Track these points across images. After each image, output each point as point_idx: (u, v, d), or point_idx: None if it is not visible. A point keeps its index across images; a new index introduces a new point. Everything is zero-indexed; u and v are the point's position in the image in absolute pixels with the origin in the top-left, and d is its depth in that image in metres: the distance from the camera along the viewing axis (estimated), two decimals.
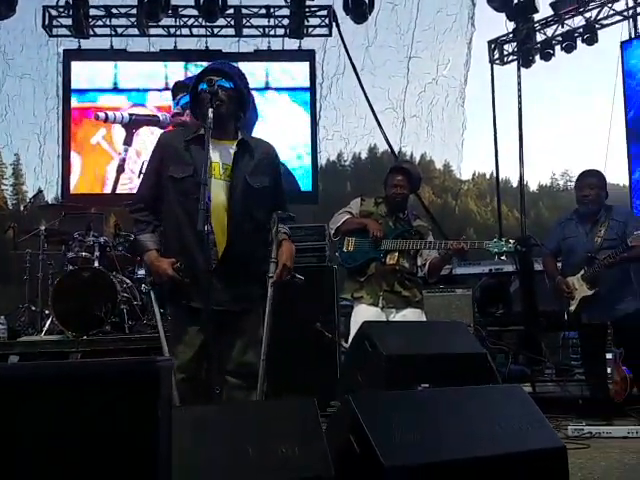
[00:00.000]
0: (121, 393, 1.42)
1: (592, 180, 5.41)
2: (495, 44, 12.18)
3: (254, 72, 9.33)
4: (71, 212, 7.04)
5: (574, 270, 5.37)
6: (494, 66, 12.25)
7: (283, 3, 10.71)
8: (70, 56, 10.16)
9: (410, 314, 4.61)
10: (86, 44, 10.45)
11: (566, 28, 11.24)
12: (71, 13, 10.24)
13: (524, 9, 11.02)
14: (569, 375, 6.38)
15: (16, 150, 16.79)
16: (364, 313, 4.54)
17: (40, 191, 10.03)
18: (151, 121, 9.77)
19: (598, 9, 10.85)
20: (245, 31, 10.97)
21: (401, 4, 12.34)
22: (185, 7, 10.61)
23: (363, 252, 4.69)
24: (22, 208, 15.87)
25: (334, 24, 10.94)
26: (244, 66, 3.52)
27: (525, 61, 11.74)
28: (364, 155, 29.12)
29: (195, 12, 10.53)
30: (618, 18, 10.75)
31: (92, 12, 10.47)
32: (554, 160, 78.77)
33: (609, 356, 5.48)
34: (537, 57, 11.61)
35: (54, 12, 10.42)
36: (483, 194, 39.19)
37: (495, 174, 12.88)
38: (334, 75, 12.00)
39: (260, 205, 3.30)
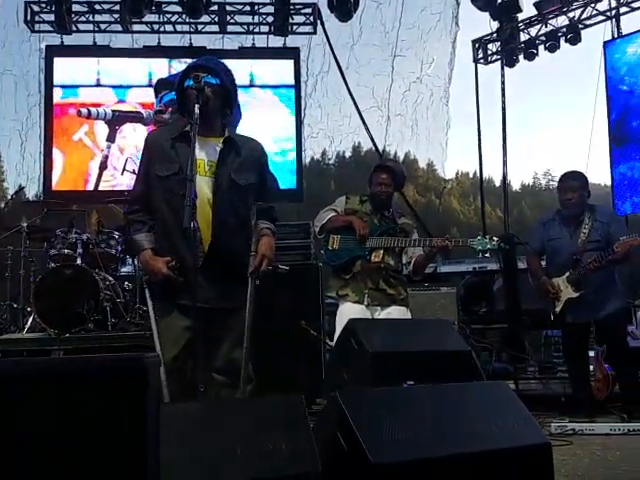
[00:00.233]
0: (109, 389, 1.40)
1: (574, 183, 5.44)
2: (479, 43, 12.22)
3: (238, 69, 9.24)
4: (53, 209, 6.97)
5: (559, 271, 5.40)
6: (478, 65, 12.29)
7: (268, 0, 10.68)
8: (52, 52, 10.04)
9: (395, 312, 4.62)
10: (69, 40, 10.34)
11: (550, 28, 11.30)
12: (53, 9, 10.14)
13: (508, 9, 11.07)
14: (552, 373, 6.42)
15: None
16: (349, 311, 4.54)
17: (21, 188, 9.94)
18: (134, 118, 9.70)
19: (581, 9, 10.92)
20: (229, 28, 10.92)
21: (386, 3, 12.36)
22: (169, 3, 10.55)
23: (348, 250, 4.69)
24: (3, 205, 15.72)
25: (319, 22, 10.93)
26: (228, 63, 3.48)
27: (509, 60, 11.79)
28: (348, 154, 29.13)
29: (179, 9, 10.46)
30: (601, 18, 10.83)
31: (75, 8, 10.38)
32: (536, 159, 79.22)
33: (591, 354, 5.54)
34: (521, 57, 11.66)
35: (36, 8, 10.32)
36: (466, 193, 39.33)
37: (479, 173, 12.94)
38: (319, 73, 11.99)
39: (245, 202, 3.28)
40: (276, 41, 10.84)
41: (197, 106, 3.11)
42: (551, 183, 46.66)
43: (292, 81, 10.34)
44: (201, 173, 3.19)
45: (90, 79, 9.83)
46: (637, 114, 10.08)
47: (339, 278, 4.73)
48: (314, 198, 10.85)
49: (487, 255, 4.49)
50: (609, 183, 10.53)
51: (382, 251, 4.65)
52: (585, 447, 4.31)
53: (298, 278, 5.91)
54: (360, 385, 3.04)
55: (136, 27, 10.71)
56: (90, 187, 9.62)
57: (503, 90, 12.07)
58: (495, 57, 12.14)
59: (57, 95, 9.77)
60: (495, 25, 11.68)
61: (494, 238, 4.42)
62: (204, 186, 3.19)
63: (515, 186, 42.03)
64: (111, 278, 6.20)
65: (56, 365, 1.54)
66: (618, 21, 10.66)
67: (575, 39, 10.93)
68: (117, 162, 9.47)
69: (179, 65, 9.91)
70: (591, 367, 5.55)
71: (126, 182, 9.12)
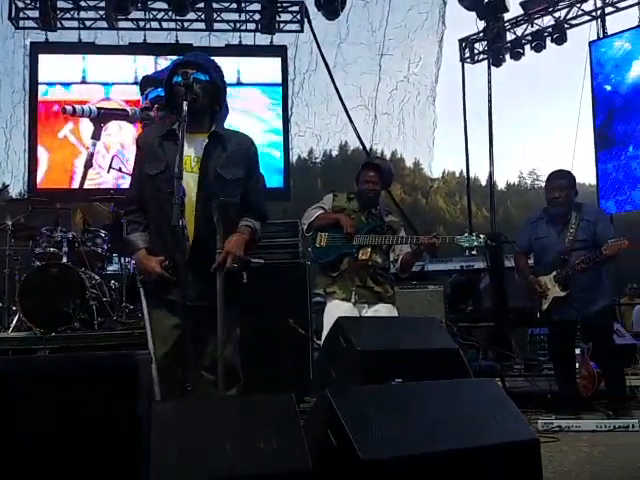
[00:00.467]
0: (100, 386, 1.40)
1: (562, 182, 5.47)
2: (466, 43, 12.28)
3: (225, 67, 9.19)
4: (38, 207, 6.92)
5: (546, 270, 5.42)
6: (465, 64, 12.33)
7: None
8: (37, 49, 9.97)
9: (382, 309, 4.62)
10: (54, 37, 10.29)
11: (536, 28, 11.38)
12: (38, 5, 10.08)
13: (494, 8, 11.12)
14: (538, 370, 6.45)
15: None
16: (336, 308, 4.54)
17: (5, 186, 9.86)
18: (120, 115, 9.64)
19: (567, 9, 11.01)
20: (216, 25, 10.91)
21: (373, 1, 12.35)
22: (155, 0, 10.52)
23: (336, 247, 4.69)
24: None
25: (306, 20, 10.92)
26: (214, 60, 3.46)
27: (495, 60, 11.87)
28: (335, 152, 29.16)
29: (165, 5, 10.45)
30: (587, 18, 10.92)
31: (60, 4, 10.33)
32: (521, 159, 79.65)
33: (577, 351, 5.56)
34: (507, 56, 11.73)
35: (21, 4, 10.26)
36: (452, 192, 39.46)
37: (465, 172, 13.01)
38: (306, 71, 11.98)
39: (232, 197, 3.24)
40: (263, 39, 10.84)
41: (185, 103, 3.09)
42: (536, 182, 46.92)
43: (279, 79, 10.32)
44: (187, 169, 3.17)
45: (75, 76, 9.76)
46: (620, 117, 10.16)
47: (326, 276, 4.72)
48: (301, 197, 10.85)
49: (474, 252, 4.49)
50: (594, 182, 10.61)
51: (370, 249, 4.65)
52: (571, 444, 4.33)
53: (286, 276, 5.92)
54: (348, 383, 3.04)
55: (122, 24, 10.68)
56: (75, 185, 9.56)
57: (489, 89, 12.13)
58: (482, 56, 12.21)
59: (42, 92, 9.71)
60: (482, 24, 11.75)
61: (481, 235, 4.43)
62: (191, 182, 3.17)
63: (500, 185, 42.22)
64: (97, 277, 6.16)
65: (46, 363, 1.52)
66: (603, 21, 10.74)
67: (561, 39, 11.02)
68: (102, 160, 9.42)
69: (165, 62, 9.86)
70: (577, 364, 5.57)
71: (112, 180, 9.11)
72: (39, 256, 6.10)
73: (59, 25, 10.39)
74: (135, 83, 9.88)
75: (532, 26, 11.43)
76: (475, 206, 17.33)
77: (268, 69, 10.39)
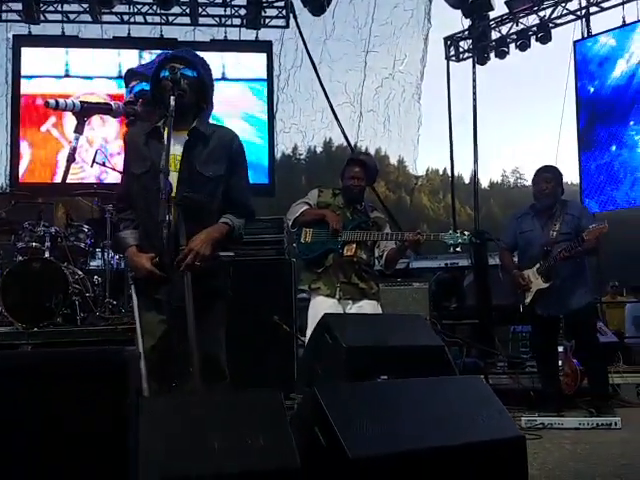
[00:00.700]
0: (89, 382, 1.38)
1: (548, 175, 5.56)
2: (451, 41, 12.29)
3: (209, 62, 9.16)
4: (21, 201, 6.85)
5: (530, 263, 5.47)
6: (450, 63, 12.35)
7: None
8: (20, 42, 9.87)
9: (366, 306, 4.62)
10: (37, 30, 10.20)
11: (520, 26, 11.41)
12: None
13: (480, 7, 11.14)
14: (521, 368, 6.47)
15: None
16: (321, 304, 4.54)
17: None
18: (103, 109, 9.51)
19: (552, 8, 11.04)
20: (201, 20, 10.85)
21: None
22: None
23: (321, 243, 4.68)
24: None
25: (291, 16, 10.90)
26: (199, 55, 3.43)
27: (480, 58, 11.89)
28: (319, 149, 29.17)
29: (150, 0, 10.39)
30: (571, 17, 10.96)
31: None
32: (505, 158, 79.99)
33: (560, 349, 5.59)
34: (492, 55, 11.76)
35: None
36: (436, 190, 39.54)
37: (450, 170, 13.04)
38: (291, 67, 11.95)
39: (214, 195, 3.21)
40: (248, 34, 10.80)
41: (172, 98, 3.06)
42: (519, 181, 47.15)
43: (264, 75, 10.29)
44: (172, 168, 3.13)
45: (58, 70, 9.69)
46: (603, 122, 10.24)
47: (311, 272, 4.71)
48: (285, 193, 10.82)
49: (458, 250, 4.49)
50: (576, 181, 10.67)
51: (355, 245, 4.65)
52: (555, 441, 4.36)
53: (271, 273, 5.91)
54: (334, 380, 3.03)
55: (106, 17, 10.58)
56: (58, 179, 9.47)
57: (474, 88, 12.15)
58: (467, 55, 12.22)
59: (24, 86, 9.62)
60: (467, 23, 11.77)
61: (465, 232, 4.44)
62: (173, 181, 3.12)
63: (484, 184, 42.35)
64: (80, 272, 6.10)
65: (33, 358, 1.50)
66: (588, 21, 10.79)
67: (545, 38, 11.05)
68: (85, 154, 9.34)
69: (149, 57, 9.79)
70: (560, 362, 5.60)
71: (94, 174, 9.05)
72: (21, 251, 6.03)
73: (42, 18, 10.29)
74: (119, 77, 9.78)
75: (517, 25, 11.46)
76: (458, 204, 17.36)
77: (253, 65, 10.35)
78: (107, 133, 9.46)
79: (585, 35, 10.77)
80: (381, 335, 3.32)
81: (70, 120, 9.33)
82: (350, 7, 12.69)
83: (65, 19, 10.39)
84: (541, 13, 11.19)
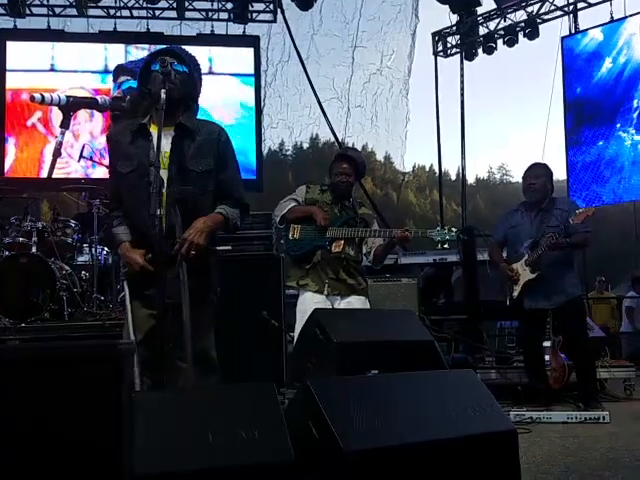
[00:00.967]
0: (82, 376, 1.37)
1: (539, 170, 5.62)
2: (439, 36, 12.32)
3: (196, 56, 9.10)
4: (7, 196, 6.81)
5: (519, 257, 5.49)
6: (438, 58, 12.37)
7: None
8: (5, 36, 9.78)
9: (355, 301, 4.61)
10: (22, 24, 10.14)
11: (508, 22, 11.45)
12: None
13: (468, 2, 11.20)
14: (509, 363, 6.50)
15: None
16: (309, 300, 4.53)
17: None
18: (89, 104, 9.46)
19: (539, 4, 11.11)
20: (187, 14, 10.83)
21: None
22: None
23: (309, 240, 4.67)
24: None
25: (279, 10, 10.87)
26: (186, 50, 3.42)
27: (468, 54, 11.92)
28: (306, 145, 29.12)
29: None
30: (559, 13, 11.01)
31: None
32: (491, 154, 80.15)
33: (547, 344, 5.61)
34: (480, 50, 11.78)
35: None
36: (422, 186, 39.60)
37: (438, 166, 13.06)
38: (279, 62, 11.96)
39: (204, 190, 3.19)
40: (235, 29, 10.79)
41: (163, 91, 3.03)
42: (505, 178, 47.31)
43: (252, 70, 10.26)
44: (162, 166, 3.11)
45: (44, 64, 9.62)
46: (589, 123, 10.34)
47: (299, 268, 4.70)
48: (271, 188, 10.81)
49: (446, 246, 4.50)
50: (562, 177, 10.72)
51: (343, 241, 4.64)
52: (544, 435, 4.38)
53: (259, 268, 5.89)
54: (325, 374, 3.03)
55: (92, 12, 10.55)
56: (44, 174, 9.42)
57: (462, 83, 12.19)
58: (454, 50, 12.25)
59: (10, 80, 9.53)
60: (455, 18, 11.80)
61: (453, 229, 4.45)
62: (163, 178, 3.10)
63: (470, 180, 42.42)
64: (67, 267, 6.07)
65: (27, 351, 1.48)
66: (575, 16, 10.85)
67: (533, 34, 11.11)
68: (71, 149, 9.29)
69: (135, 51, 9.76)
70: (547, 357, 5.62)
71: (81, 169, 9.00)
72: (8, 246, 6.00)
73: (28, 12, 10.23)
74: (105, 72, 9.76)
75: (505, 21, 11.52)
76: (445, 200, 17.46)
77: (240, 59, 10.31)
78: (93, 127, 9.42)
79: (572, 31, 10.82)
80: (372, 330, 3.32)
81: (56, 114, 9.30)
82: (338, 2, 12.73)
83: (51, 13, 10.32)
84: (529, 9, 11.25)
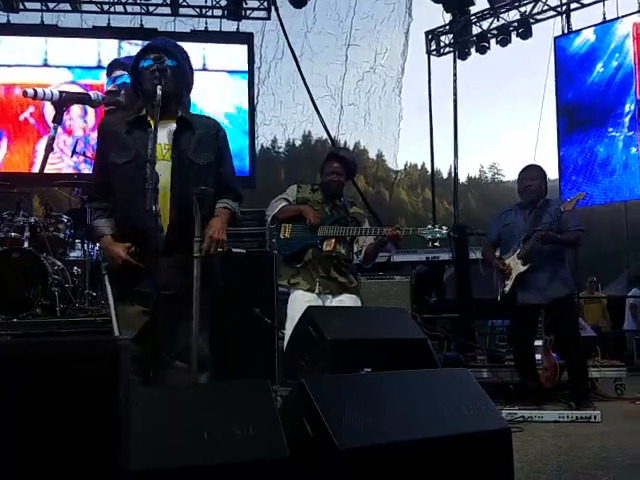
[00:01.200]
0: (79, 372, 1.36)
1: (534, 172, 5.65)
2: (432, 35, 12.33)
3: (190, 53, 9.08)
4: None
5: (512, 253, 5.50)
6: (431, 57, 12.38)
7: None
8: None
9: (346, 299, 4.62)
10: (16, 18, 10.11)
11: (501, 22, 11.47)
12: None
13: (461, 1, 11.21)
14: (500, 361, 6.51)
15: None
16: (301, 299, 4.54)
17: None
18: (82, 99, 9.42)
19: (532, 4, 11.12)
20: (182, 10, 10.81)
21: None
22: None
23: (300, 238, 4.67)
24: None
25: (273, 8, 10.86)
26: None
27: (461, 53, 11.94)
28: (298, 142, 29.12)
29: None
30: (552, 13, 11.04)
31: None
32: (483, 153, 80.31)
33: (539, 343, 5.63)
34: (473, 50, 11.80)
35: None
36: (414, 184, 39.65)
37: (430, 165, 13.09)
38: (272, 59, 11.95)
39: (205, 182, 3.20)
40: (229, 25, 10.77)
41: (159, 87, 3.03)
42: (497, 177, 47.44)
43: (245, 67, 10.24)
44: (159, 157, 3.12)
45: (37, 59, 9.57)
46: (581, 125, 10.36)
47: (290, 267, 4.70)
48: (263, 185, 10.81)
49: (437, 244, 4.51)
50: (553, 177, 10.77)
51: (334, 240, 4.64)
52: (536, 434, 4.40)
53: (253, 265, 5.88)
54: (318, 372, 3.03)
55: (85, 7, 10.52)
56: (36, 169, 9.37)
57: (455, 82, 12.20)
58: (448, 49, 12.26)
59: (3, 74, 9.48)
60: (448, 17, 11.81)
61: (443, 227, 4.45)
62: (163, 170, 3.10)
63: (462, 179, 42.42)
64: (60, 263, 6.06)
65: (21, 347, 1.48)
66: (568, 17, 10.88)
67: (526, 34, 11.13)
68: (64, 144, 9.26)
69: (129, 47, 9.72)
70: (538, 356, 5.64)
71: (73, 165, 8.97)
72: (0, 241, 5.97)
73: (21, 7, 10.19)
74: (98, 67, 9.71)
75: (498, 20, 11.53)
76: (437, 199, 17.52)
77: (234, 56, 10.29)
78: (86, 123, 9.38)
79: (565, 31, 10.85)
80: (365, 328, 3.33)
81: (49, 110, 9.26)
82: (331, 0, 12.74)
83: (44, 8, 10.29)
84: (522, 9, 11.27)
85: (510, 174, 46.09)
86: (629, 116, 9.86)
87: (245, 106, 10.17)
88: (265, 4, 10.89)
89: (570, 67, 10.55)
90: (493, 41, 11.56)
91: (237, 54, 10.28)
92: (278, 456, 1.92)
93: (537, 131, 11.81)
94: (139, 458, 1.64)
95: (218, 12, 10.82)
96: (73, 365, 1.41)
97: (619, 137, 9.94)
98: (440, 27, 12.16)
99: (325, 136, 11.78)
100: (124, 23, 10.56)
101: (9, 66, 9.51)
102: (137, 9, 10.61)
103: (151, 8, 10.67)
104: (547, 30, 11.02)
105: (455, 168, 12.58)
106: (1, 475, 1.35)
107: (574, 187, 10.26)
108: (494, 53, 11.60)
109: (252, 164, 10.15)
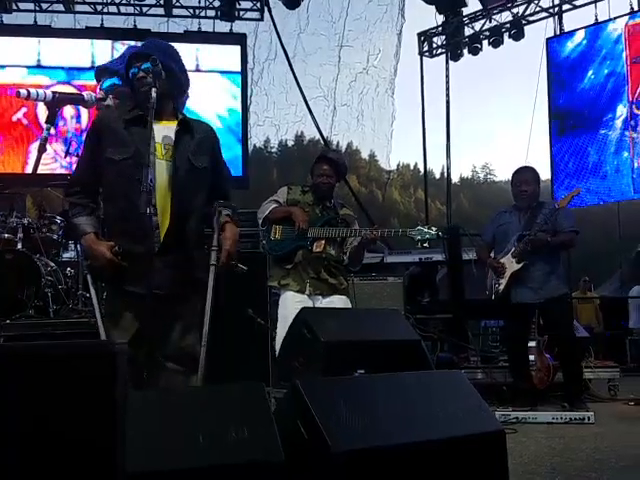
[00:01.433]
0: (77, 375, 1.36)
1: (528, 176, 5.66)
2: (424, 36, 12.35)
3: (183, 53, 9.06)
4: None
5: (506, 252, 5.50)
6: (423, 58, 12.40)
7: None
8: None
9: (336, 301, 4.63)
10: (9, 19, 10.08)
11: (494, 23, 11.50)
12: None
13: (453, 3, 11.22)
14: (494, 362, 6.52)
15: None
16: (291, 300, 4.55)
17: None
18: (75, 100, 9.39)
19: (525, 5, 11.15)
20: (175, 11, 10.80)
21: None
22: None
23: (290, 240, 4.68)
24: None
25: (266, 9, 10.87)
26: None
27: (453, 54, 11.96)
28: (291, 142, 29.12)
29: None
30: (544, 15, 11.06)
31: None
32: (475, 153, 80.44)
33: (533, 344, 5.64)
34: (465, 51, 11.82)
35: None
36: (407, 185, 39.68)
37: (423, 165, 13.11)
38: (265, 60, 11.96)
39: (202, 186, 3.23)
40: (222, 26, 10.77)
41: (154, 90, 3.02)
42: (489, 177, 47.54)
43: (238, 68, 10.24)
44: (159, 157, 3.12)
45: (30, 59, 9.54)
46: (572, 130, 10.39)
47: (281, 268, 4.71)
48: (256, 186, 10.80)
49: (426, 245, 4.52)
50: (545, 177, 10.79)
51: (324, 241, 4.65)
52: (530, 435, 4.41)
53: (246, 266, 5.86)
54: (312, 374, 3.03)
55: (79, 7, 10.50)
56: (29, 170, 9.35)
57: (447, 83, 12.22)
58: (440, 50, 12.29)
59: None
60: (440, 19, 11.83)
61: (432, 228, 4.46)
62: (162, 170, 3.10)
63: (454, 179, 42.42)
64: (53, 264, 6.05)
65: (19, 350, 1.47)
66: (561, 18, 10.91)
67: (518, 35, 11.16)
68: (57, 145, 9.25)
69: (122, 47, 9.72)
70: (532, 357, 5.65)
71: (65, 165, 8.95)
72: None
73: (14, 7, 10.16)
74: (92, 68, 9.70)
75: (490, 21, 11.56)
76: (429, 199, 17.57)
77: (227, 57, 10.29)
78: (80, 124, 9.36)
79: (557, 32, 10.88)
80: (359, 329, 3.33)
81: (42, 110, 9.23)
82: (324, 1, 12.77)
83: (37, 8, 10.27)
84: (514, 10, 11.30)
85: (502, 174, 46.25)
86: (621, 119, 9.89)
87: (238, 107, 10.17)
88: (258, 5, 10.90)
89: (561, 74, 10.58)
90: (485, 42, 11.59)
91: (230, 55, 10.28)
92: (273, 458, 1.93)
93: (529, 131, 11.84)
94: (134, 460, 1.64)
95: (211, 13, 10.83)
96: (70, 367, 1.41)
97: (611, 142, 9.98)
98: (432, 28, 12.18)
99: (318, 136, 11.81)
100: (117, 24, 10.56)
101: (2, 67, 9.49)
102: (130, 10, 10.60)
103: (144, 9, 10.66)
104: (539, 31, 11.07)
105: (448, 168, 12.62)
106: (1, 474, 1.35)
107: (567, 189, 10.28)
108: (486, 54, 11.65)
109: (245, 165, 10.15)
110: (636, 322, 10.85)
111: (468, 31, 11.83)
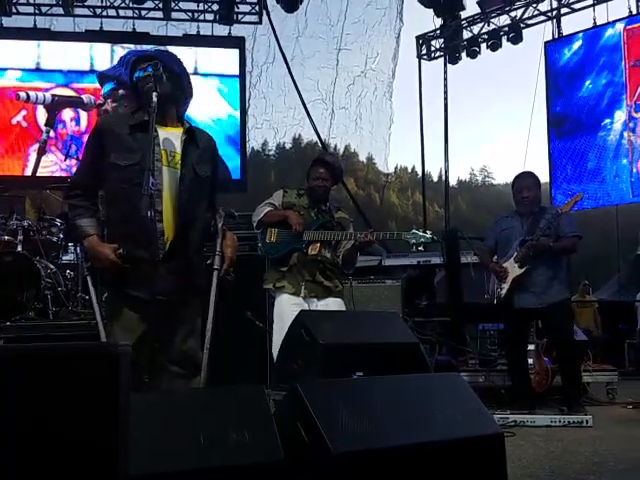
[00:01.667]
0: (80, 377, 1.37)
1: (530, 182, 5.64)
2: (423, 40, 12.38)
3: (182, 57, 9.06)
4: None
5: (508, 257, 5.49)
6: (421, 61, 12.43)
7: None
8: None
9: (332, 303, 4.64)
10: (8, 22, 10.11)
11: (492, 26, 11.53)
12: None
13: (451, 6, 11.24)
14: (492, 366, 6.52)
15: None
16: (286, 302, 4.57)
17: None
18: (74, 102, 9.46)
19: (523, 9, 11.17)
20: (173, 15, 10.83)
21: None
22: None
23: (286, 243, 4.69)
24: None
25: (264, 12, 10.90)
26: (172, 50, 3.46)
27: (452, 58, 11.99)
28: (289, 145, 29.15)
29: None
30: (542, 18, 11.09)
31: None
32: (473, 156, 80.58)
33: (531, 347, 5.64)
34: (463, 54, 11.85)
35: None
36: (405, 187, 39.71)
37: (421, 168, 13.14)
38: (264, 64, 11.98)
39: (204, 195, 3.27)
40: (221, 30, 10.81)
41: (155, 94, 3.03)
42: (487, 179, 47.59)
43: (237, 71, 10.27)
44: (164, 164, 3.12)
45: (30, 62, 9.57)
46: (569, 137, 10.44)
47: (276, 271, 4.72)
48: (254, 189, 10.82)
49: (421, 249, 4.53)
50: (543, 180, 10.80)
51: (319, 244, 4.66)
52: (528, 438, 4.42)
53: (244, 269, 5.86)
54: (310, 376, 3.04)
55: (78, 11, 10.52)
56: (28, 172, 9.37)
57: (445, 86, 12.25)
58: (438, 54, 12.32)
59: None
60: (439, 22, 11.86)
61: (427, 232, 4.47)
62: (168, 177, 3.12)
63: (452, 182, 42.43)
64: (52, 266, 6.04)
65: (22, 351, 1.48)
66: (559, 22, 10.94)
67: (516, 38, 11.19)
68: (56, 147, 9.26)
69: (121, 51, 9.72)
70: (530, 361, 5.65)
71: (64, 168, 8.97)
72: None
73: (14, 10, 10.17)
74: (91, 71, 9.72)
75: (488, 25, 11.60)
76: (427, 202, 17.59)
77: (226, 60, 10.32)
78: (79, 126, 9.38)
79: (556, 36, 10.90)
80: (357, 332, 3.34)
81: (41, 113, 9.26)
82: (323, 5, 12.78)
83: (37, 12, 10.29)
84: (512, 13, 11.33)
85: (500, 177, 46.35)
86: (619, 122, 9.93)
87: (236, 110, 10.20)
88: (257, 8, 10.93)
89: (559, 82, 10.62)
90: (484, 46, 11.62)
91: (229, 58, 10.32)
92: (273, 460, 1.94)
93: (527, 135, 11.87)
94: (136, 462, 1.65)
95: (210, 16, 10.86)
96: (73, 369, 1.42)
97: (610, 147, 10.02)
98: (431, 32, 12.21)
99: (316, 139, 11.84)
100: (116, 27, 10.58)
101: (1, 70, 9.50)
102: (129, 13, 10.63)
103: (143, 12, 10.68)
104: (538, 35, 11.10)
105: (446, 171, 12.64)
106: (1, 475, 1.36)
107: (565, 193, 10.31)
108: (485, 57, 11.69)
109: (243, 168, 10.17)
110: None
111: (466, 34, 11.87)
